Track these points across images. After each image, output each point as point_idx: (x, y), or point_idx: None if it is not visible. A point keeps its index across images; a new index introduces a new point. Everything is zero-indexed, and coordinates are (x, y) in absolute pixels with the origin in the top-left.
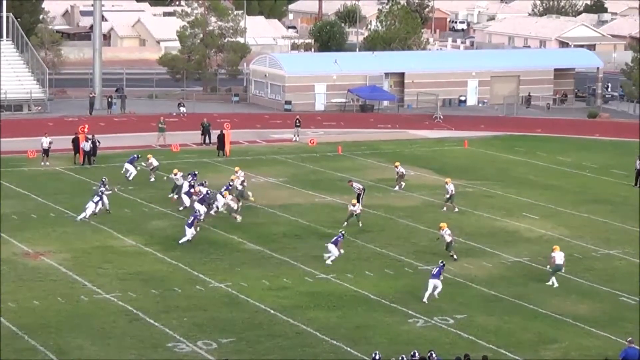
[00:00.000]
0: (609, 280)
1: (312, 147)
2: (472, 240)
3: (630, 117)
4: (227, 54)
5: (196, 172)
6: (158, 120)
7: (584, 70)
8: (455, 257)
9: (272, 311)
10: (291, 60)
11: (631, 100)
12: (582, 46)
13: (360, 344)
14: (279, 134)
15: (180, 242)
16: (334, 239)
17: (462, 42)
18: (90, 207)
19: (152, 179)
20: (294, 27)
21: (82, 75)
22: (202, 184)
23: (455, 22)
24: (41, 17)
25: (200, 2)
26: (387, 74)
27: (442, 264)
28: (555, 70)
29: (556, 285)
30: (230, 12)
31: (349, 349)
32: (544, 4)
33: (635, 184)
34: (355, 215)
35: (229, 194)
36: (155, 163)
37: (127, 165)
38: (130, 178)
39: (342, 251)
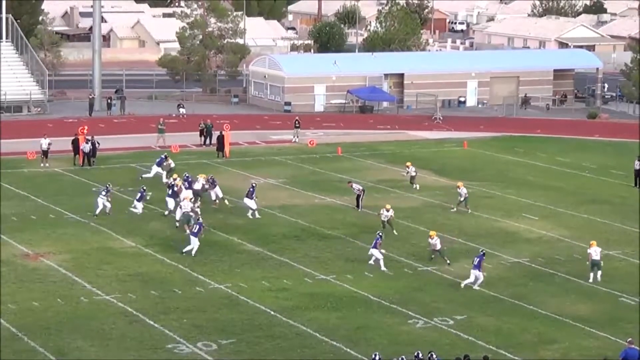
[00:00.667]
0: (608, 280)
1: (312, 148)
2: (471, 241)
3: (629, 118)
4: (226, 55)
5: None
6: (158, 121)
7: (583, 71)
8: (448, 262)
9: (272, 312)
10: (290, 61)
11: (630, 101)
12: (581, 47)
13: (360, 344)
14: (278, 135)
15: (184, 251)
16: (373, 243)
17: (461, 43)
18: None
19: (165, 180)
20: (293, 28)
21: (81, 76)
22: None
23: (455, 23)
24: (40, 18)
25: (200, 3)
26: (386, 75)
27: (482, 253)
28: (555, 71)
29: (599, 279)
30: (229, 13)
31: (348, 349)
32: (543, 5)
33: (635, 185)
34: (388, 222)
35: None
36: (172, 164)
37: (155, 168)
38: (144, 176)
39: (382, 251)
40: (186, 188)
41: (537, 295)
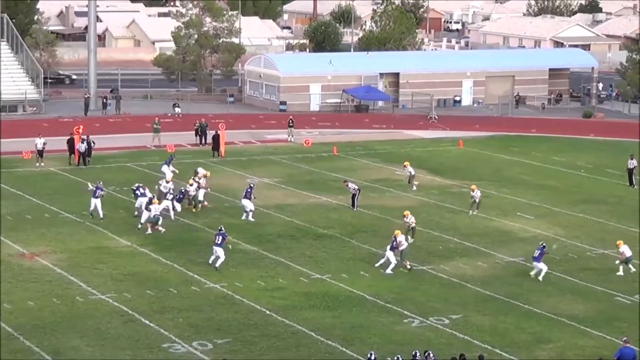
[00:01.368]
0: (604, 280)
1: (307, 148)
2: (467, 240)
3: (625, 117)
4: (222, 55)
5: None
6: (153, 121)
7: (578, 70)
8: (408, 267)
9: (267, 311)
10: (286, 60)
11: (626, 100)
12: (576, 46)
13: (355, 344)
14: (273, 135)
15: (217, 265)
16: (390, 245)
17: (456, 42)
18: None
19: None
20: (288, 28)
21: (77, 76)
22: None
23: (450, 22)
24: (36, 17)
25: (195, 2)
26: (381, 74)
27: (542, 246)
28: (550, 70)
29: (632, 270)
30: (225, 12)
31: (344, 349)
32: (538, 4)
33: (630, 184)
34: (411, 228)
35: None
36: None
37: (164, 168)
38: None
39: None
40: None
41: (532, 295)
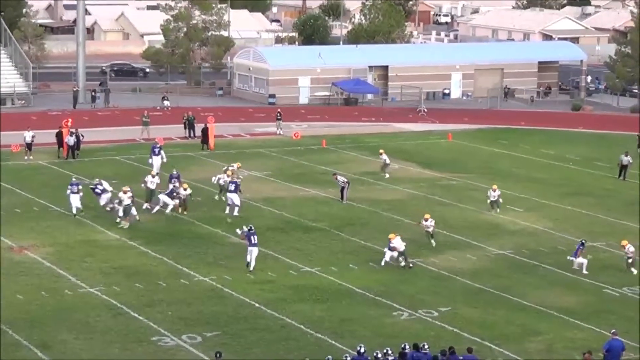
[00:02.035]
0: (592, 272)
1: (296, 141)
2: (456, 233)
3: (614, 110)
4: (211, 48)
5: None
6: (142, 114)
7: (567, 63)
8: (410, 265)
9: (256, 305)
10: (275, 53)
11: (615, 93)
12: (565, 39)
13: (344, 337)
14: (263, 128)
15: (251, 269)
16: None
17: (445, 35)
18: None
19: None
20: (277, 21)
21: (65, 69)
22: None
23: (439, 15)
24: (24, 10)
25: None
26: (371, 67)
27: (581, 243)
28: (539, 63)
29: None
30: (214, 5)
31: (333, 342)
32: None
33: (619, 177)
34: (430, 233)
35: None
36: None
37: (154, 159)
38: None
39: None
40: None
41: (521, 287)
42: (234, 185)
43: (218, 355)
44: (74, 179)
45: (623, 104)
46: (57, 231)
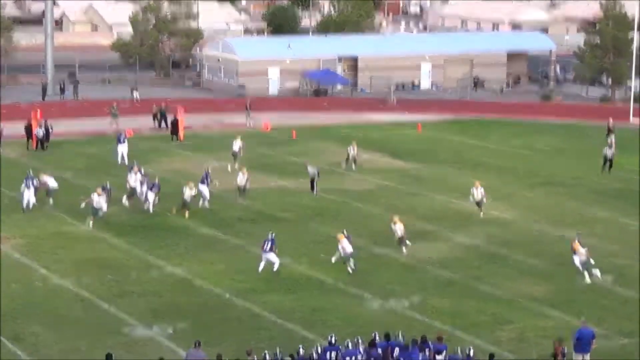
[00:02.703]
0: (563, 262)
1: (266, 132)
2: (426, 223)
3: (583, 100)
4: (180, 39)
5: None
6: (111, 105)
7: (537, 53)
8: (350, 269)
9: (227, 295)
10: (244, 44)
11: (584, 83)
12: (534, 29)
13: (316, 326)
14: (232, 119)
15: (275, 269)
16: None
17: (415, 26)
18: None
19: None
20: (246, 11)
21: (34, 61)
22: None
23: (409, 6)
24: None
25: None
26: (340, 58)
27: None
28: (508, 53)
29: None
30: None
31: (304, 332)
32: None
33: (604, 170)
34: (399, 238)
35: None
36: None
37: (120, 147)
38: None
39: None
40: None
41: (492, 277)
42: (204, 176)
43: (197, 344)
44: (29, 173)
45: (592, 93)
46: (27, 223)
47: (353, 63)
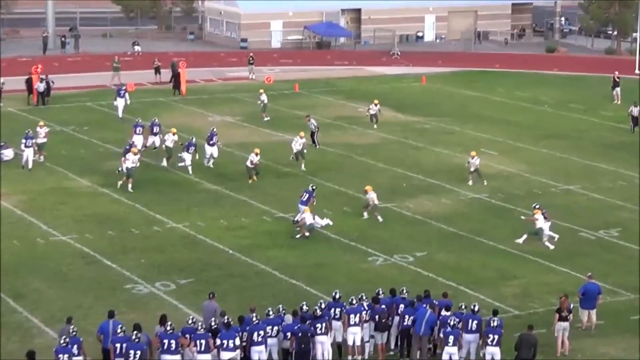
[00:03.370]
0: (568, 215)
1: (269, 85)
2: (430, 177)
3: (588, 52)
4: None
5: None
6: (112, 59)
7: (541, 4)
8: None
9: (230, 251)
10: None
11: (589, 35)
12: None
13: (319, 283)
14: (235, 72)
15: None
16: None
17: None
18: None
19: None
20: None
21: (35, 14)
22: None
23: None
24: None
25: None
26: (343, 10)
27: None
28: (513, 4)
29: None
30: None
31: (308, 288)
32: None
33: (633, 129)
34: (372, 206)
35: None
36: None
37: (118, 102)
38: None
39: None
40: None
41: (496, 232)
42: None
43: (211, 296)
44: (28, 132)
45: (597, 45)
46: (28, 179)
47: (356, 15)
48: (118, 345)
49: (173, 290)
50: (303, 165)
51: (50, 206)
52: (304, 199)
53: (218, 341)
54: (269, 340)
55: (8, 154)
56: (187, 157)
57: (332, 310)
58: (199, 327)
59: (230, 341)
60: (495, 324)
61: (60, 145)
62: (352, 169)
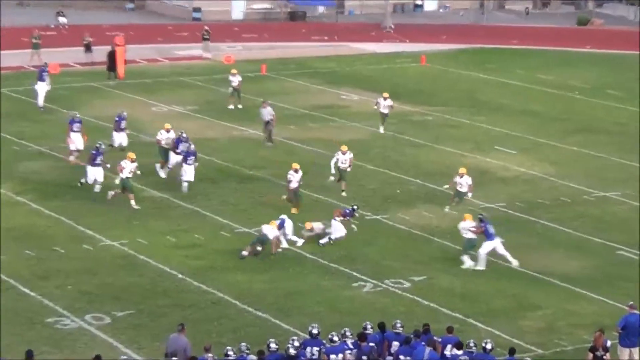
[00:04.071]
0: (604, 229)
1: (229, 66)
2: (432, 182)
3: (630, 24)
4: None
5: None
6: (31, 34)
7: None
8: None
9: (180, 275)
10: None
11: (631, 3)
12: None
13: (292, 315)
14: (186, 50)
15: (328, 241)
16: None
17: None
18: None
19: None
20: None
21: None
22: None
23: None
24: None
25: None
26: None
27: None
28: None
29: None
30: None
31: (277, 321)
32: None
33: None
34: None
35: None
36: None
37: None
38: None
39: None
40: None
41: (515, 249)
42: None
43: (180, 328)
44: None
45: None
46: None
47: None
48: None
49: (107, 324)
50: (343, 189)
51: None
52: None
53: None
54: None
55: None
56: (189, 170)
57: (309, 349)
58: None
59: None
60: None
61: None
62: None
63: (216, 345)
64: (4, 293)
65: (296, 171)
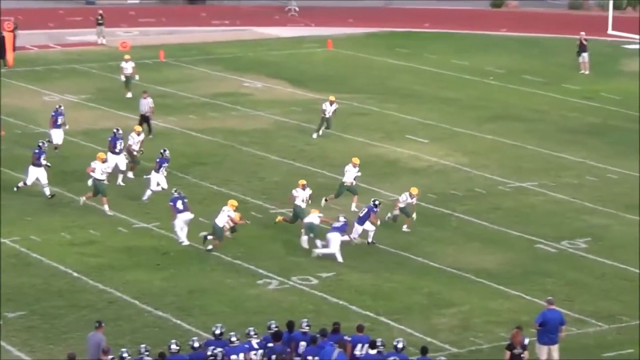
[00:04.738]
0: (521, 222)
1: (124, 52)
2: (340, 174)
3: (547, 6)
4: None
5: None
6: None
7: None
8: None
9: (75, 274)
10: None
11: None
12: None
13: (194, 314)
14: (79, 36)
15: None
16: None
17: None
18: None
19: None
20: None
21: None
22: None
23: None
24: None
25: None
26: None
27: (374, 204)
28: None
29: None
30: None
31: (179, 321)
32: None
33: None
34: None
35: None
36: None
37: None
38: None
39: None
40: None
41: (427, 244)
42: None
43: (98, 325)
44: None
45: None
46: None
47: None
48: None
49: None
50: (354, 203)
51: None
52: (362, 215)
53: None
54: None
55: None
56: (159, 178)
57: (211, 350)
58: None
59: None
60: None
61: None
62: (235, 163)
63: (114, 347)
64: None
65: (304, 188)
